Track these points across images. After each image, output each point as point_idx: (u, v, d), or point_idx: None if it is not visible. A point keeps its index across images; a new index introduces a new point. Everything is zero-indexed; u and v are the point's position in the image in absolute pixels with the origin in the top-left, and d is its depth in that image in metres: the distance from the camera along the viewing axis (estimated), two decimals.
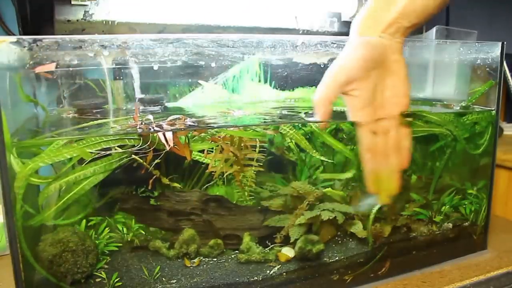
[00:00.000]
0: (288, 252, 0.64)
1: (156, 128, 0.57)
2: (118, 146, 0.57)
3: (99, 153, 0.55)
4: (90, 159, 0.55)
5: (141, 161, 0.61)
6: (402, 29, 0.53)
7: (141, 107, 0.69)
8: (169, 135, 0.56)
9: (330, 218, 0.66)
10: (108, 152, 0.56)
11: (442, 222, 0.75)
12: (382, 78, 0.54)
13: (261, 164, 0.71)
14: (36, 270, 0.55)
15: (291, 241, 0.64)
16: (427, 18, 0.54)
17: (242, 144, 0.69)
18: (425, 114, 0.73)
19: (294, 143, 0.78)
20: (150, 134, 0.57)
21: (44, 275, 0.54)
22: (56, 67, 0.49)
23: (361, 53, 0.52)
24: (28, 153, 0.52)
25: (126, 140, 0.57)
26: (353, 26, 0.54)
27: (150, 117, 0.60)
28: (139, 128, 0.57)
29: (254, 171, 0.72)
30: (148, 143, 0.58)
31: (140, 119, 0.60)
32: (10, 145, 0.46)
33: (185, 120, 0.59)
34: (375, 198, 0.58)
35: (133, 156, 0.60)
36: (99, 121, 0.62)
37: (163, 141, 0.56)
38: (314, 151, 0.72)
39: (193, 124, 0.60)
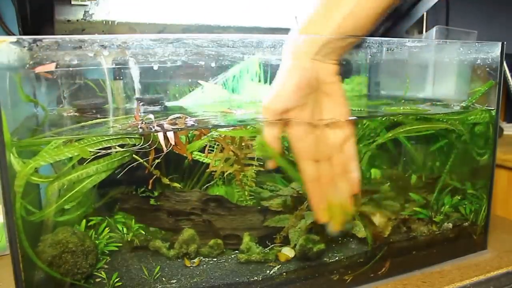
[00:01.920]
0: (288, 252, 0.64)
1: (156, 128, 0.57)
2: (119, 146, 0.57)
3: (99, 152, 0.55)
4: (90, 158, 0.55)
5: (142, 161, 0.61)
6: (338, 49, 0.49)
7: (141, 107, 0.69)
8: (170, 134, 0.56)
9: None
10: (108, 151, 0.56)
11: (442, 222, 0.75)
12: (319, 101, 0.51)
13: (262, 163, 0.71)
14: (36, 270, 0.55)
15: (291, 245, 0.64)
16: (365, 33, 0.50)
17: (243, 144, 0.69)
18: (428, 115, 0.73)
19: None
20: (152, 134, 0.57)
21: (44, 275, 0.54)
22: (56, 67, 0.49)
23: (296, 80, 0.48)
24: (27, 153, 0.52)
25: (127, 139, 0.57)
26: (285, 47, 0.50)
27: (151, 116, 0.60)
28: (140, 127, 0.57)
29: (254, 171, 0.72)
30: (149, 142, 0.58)
31: (141, 119, 0.60)
32: (10, 145, 0.46)
33: (186, 120, 0.59)
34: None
35: (134, 156, 0.60)
36: (100, 121, 0.62)
37: (162, 141, 0.56)
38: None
39: (194, 123, 0.60)
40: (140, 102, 0.69)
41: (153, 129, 0.56)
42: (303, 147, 0.51)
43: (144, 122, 0.58)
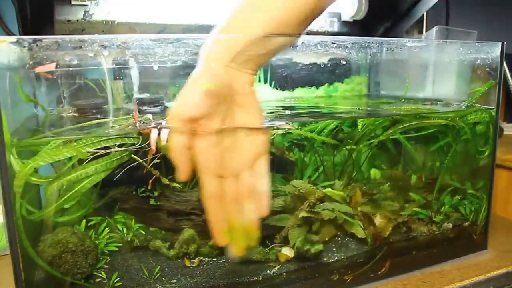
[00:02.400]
0: (288, 252, 0.64)
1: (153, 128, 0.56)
2: (117, 146, 0.57)
3: (97, 152, 0.55)
4: (89, 158, 0.55)
5: (141, 161, 0.61)
6: (256, 57, 0.45)
7: (141, 107, 0.69)
8: (164, 135, 0.56)
9: (331, 218, 0.66)
10: (107, 151, 0.56)
11: (442, 222, 0.75)
12: (231, 113, 0.46)
13: None
14: (37, 270, 0.55)
15: (291, 245, 0.64)
16: (287, 43, 0.46)
17: None
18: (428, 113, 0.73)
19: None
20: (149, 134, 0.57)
21: (44, 274, 0.54)
22: (56, 67, 0.49)
23: (201, 87, 0.44)
24: (27, 152, 0.52)
25: (126, 139, 0.57)
26: (200, 52, 0.46)
27: (150, 116, 0.60)
28: (137, 127, 0.57)
29: None
30: (148, 142, 0.58)
31: (140, 119, 0.60)
32: (10, 145, 0.46)
33: None
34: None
35: (133, 156, 0.60)
36: (98, 121, 0.62)
37: (152, 142, 0.56)
38: None
39: None
40: (138, 102, 0.69)
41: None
42: (207, 159, 0.46)
43: (142, 122, 0.58)
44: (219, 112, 0.45)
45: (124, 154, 0.58)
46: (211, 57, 0.45)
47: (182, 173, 0.45)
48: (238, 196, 0.48)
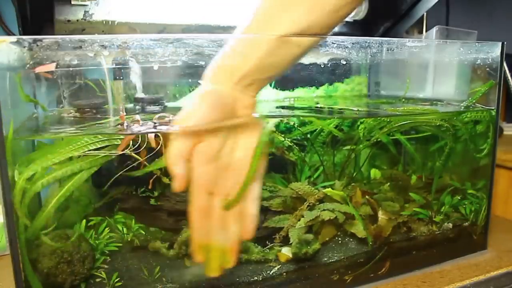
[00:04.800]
0: (288, 252, 0.64)
1: (133, 128, 0.56)
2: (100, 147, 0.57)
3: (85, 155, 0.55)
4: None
5: (142, 160, 0.61)
6: (258, 81, 0.47)
7: (140, 107, 0.69)
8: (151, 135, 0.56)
9: (331, 218, 0.66)
10: (97, 152, 0.56)
11: (442, 222, 0.75)
12: (234, 136, 0.48)
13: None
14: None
15: (290, 243, 0.64)
16: (285, 69, 0.49)
17: None
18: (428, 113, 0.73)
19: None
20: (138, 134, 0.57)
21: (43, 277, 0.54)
22: (56, 67, 0.49)
23: (208, 103, 0.45)
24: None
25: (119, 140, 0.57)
26: (205, 73, 0.47)
27: (138, 116, 0.60)
28: (125, 127, 0.57)
29: None
30: (138, 142, 0.57)
31: (133, 119, 0.60)
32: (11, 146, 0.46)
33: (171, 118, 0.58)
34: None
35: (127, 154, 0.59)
36: (93, 122, 0.62)
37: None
38: None
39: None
40: (128, 102, 0.69)
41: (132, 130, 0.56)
42: (202, 174, 0.46)
43: (129, 123, 0.58)
44: (222, 130, 0.46)
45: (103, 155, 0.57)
46: (217, 78, 0.46)
47: (179, 184, 0.45)
48: (224, 216, 0.48)
